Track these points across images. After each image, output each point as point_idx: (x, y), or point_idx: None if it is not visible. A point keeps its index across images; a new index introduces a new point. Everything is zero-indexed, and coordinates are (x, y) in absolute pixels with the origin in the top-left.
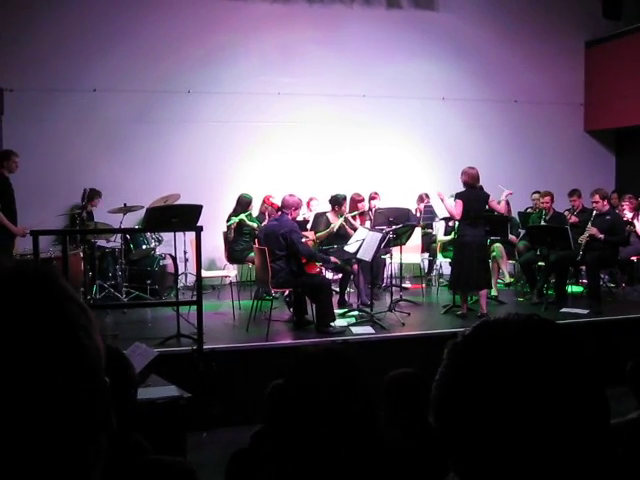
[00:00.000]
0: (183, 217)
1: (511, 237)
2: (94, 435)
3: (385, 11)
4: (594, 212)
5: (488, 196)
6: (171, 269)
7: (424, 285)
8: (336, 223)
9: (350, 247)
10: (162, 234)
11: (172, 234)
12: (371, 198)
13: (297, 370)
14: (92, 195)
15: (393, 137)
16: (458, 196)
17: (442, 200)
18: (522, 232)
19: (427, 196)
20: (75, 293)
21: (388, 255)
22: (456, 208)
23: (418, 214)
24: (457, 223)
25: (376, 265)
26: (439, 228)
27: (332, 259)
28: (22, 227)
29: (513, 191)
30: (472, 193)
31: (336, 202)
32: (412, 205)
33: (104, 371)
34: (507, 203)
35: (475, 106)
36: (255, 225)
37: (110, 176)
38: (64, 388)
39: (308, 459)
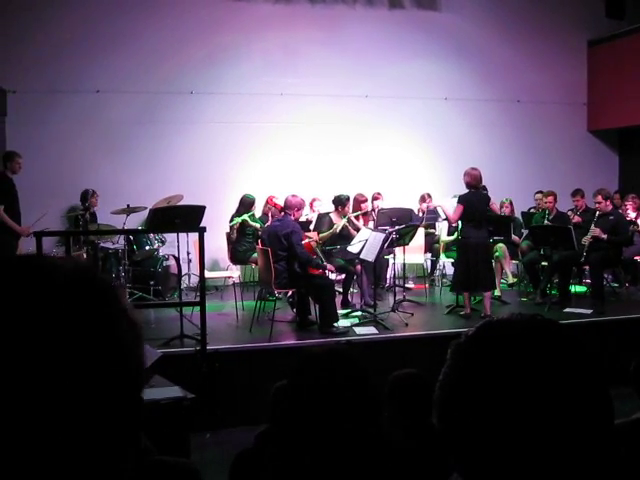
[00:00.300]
0: (186, 218)
1: (514, 237)
2: (134, 437)
3: (387, 11)
4: (597, 212)
5: (489, 198)
6: (174, 270)
7: (427, 285)
8: (339, 224)
9: (353, 247)
10: (165, 235)
11: (175, 235)
12: (374, 198)
13: (301, 370)
14: (87, 196)
15: (396, 137)
16: (461, 199)
17: (441, 207)
18: (525, 232)
19: (429, 196)
20: (129, 307)
21: (391, 255)
22: (455, 212)
23: (420, 214)
24: (460, 224)
25: (379, 265)
26: (442, 228)
27: (328, 266)
28: (26, 227)
29: (511, 196)
30: (475, 195)
31: (339, 202)
32: (415, 205)
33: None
34: (510, 203)
35: (477, 106)
36: (258, 226)
37: (113, 177)
38: (102, 395)
39: (312, 460)
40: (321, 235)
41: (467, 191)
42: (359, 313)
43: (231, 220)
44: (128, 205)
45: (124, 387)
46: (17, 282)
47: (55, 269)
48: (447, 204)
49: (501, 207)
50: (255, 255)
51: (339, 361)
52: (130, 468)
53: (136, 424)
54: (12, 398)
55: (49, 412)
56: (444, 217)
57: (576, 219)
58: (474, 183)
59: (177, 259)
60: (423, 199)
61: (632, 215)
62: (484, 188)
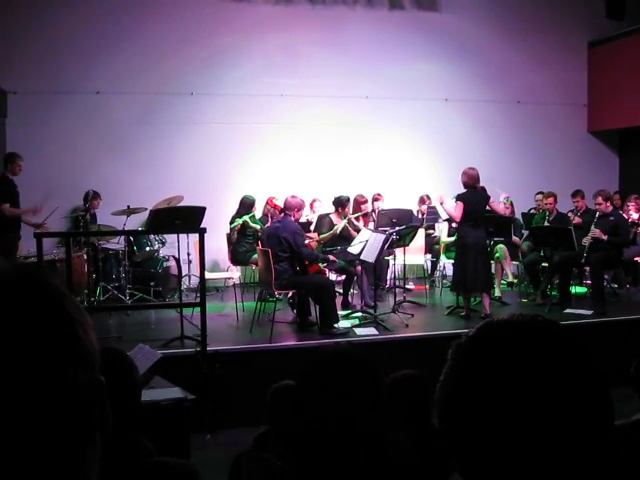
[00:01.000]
0: (186, 219)
1: (514, 238)
2: (90, 434)
3: (387, 12)
4: (597, 213)
5: (489, 197)
6: (174, 271)
7: (427, 286)
8: (339, 224)
9: (353, 248)
10: (165, 236)
11: (175, 236)
12: (374, 199)
13: (313, 371)
14: (92, 197)
15: (396, 138)
16: (459, 198)
17: (442, 203)
18: (525, 233)
19: (428, 198)
20: (68, 292)
21: (391, 256)
22: (456, 210)
23: (420, 216)
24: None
25: (379, 266)
26: (442, 229)
27: (331, 258)
28: (33, 207)
29: (511, 194)
30: (473, 194)
31: (339, 203)
32: (415, 207)
33: (99, 370)
34: (511, 204)
35: (478, 107)
36: (258, 227)
37: (113, 178)
38: (60, 381)
39: (312, 461)
40: (322, 236)
41: (465, 190)
42: (359, 314)
43: (231, 221)
44: (128, 206)
45: (78, 365)
46: None
47: None
48: (448, 204)
49: (490, 207)
50: (255, 256)
51: (351, 362)
52: (98, 458)
53: (98, 408)
54: None
55: None
56: (445, 217)
57: (576, 220)
58: (471, 183)
59: (177, 260)
60: (422, 201)
61: (635, 216)
62: (482, 189)
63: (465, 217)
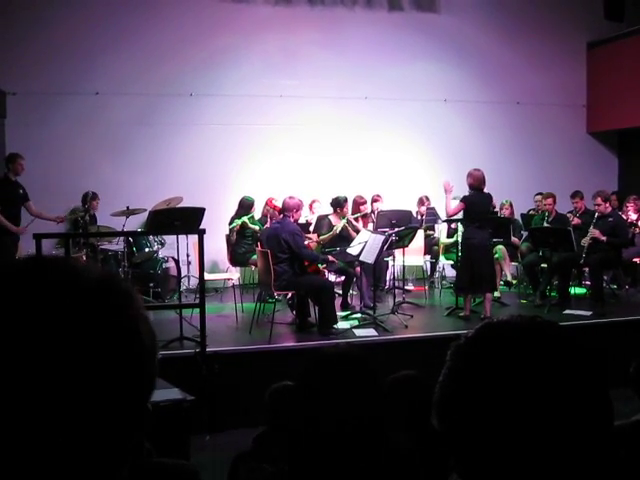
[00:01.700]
0: (186, 220)
1: (514, 239)
2: (134, 435)
3: (387, 13)
4: (596, 214)
5: (492, 198)
6: (174, 272)
7: (427, 287)
8: (338, 225)
9: (353, 249)
10: (165, 237)
11: (175, 237)
12: (373, 200)
13: (313, 372)
14: (91, 197)
15: (395, 139)
16: (463, 199)
17: (446, 191)
18: (525, 234)
19: (427, 199)
20: (145, 313)
21: (391, 257)
22: (454, 207)
23: (419, 217)
24: (459, 225)
25: (379, 267)
26: (441, 230)
27: (331, 258)
28: (22, 227)
29: (510, 195)
30: (478, 196)
31: (337, 204)
32: (414, 208)
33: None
34: (510, 205)
35: (477, 108)
36: (257, 228)
37: (113, 179)
38: (120, 405)
39: (311, 461)
40: (321, 237)
41: (471, 192)
42: (359, 315)
43: (230, 222)
44: (128, 207)
45: (137, 393)
46: (48, 283)
47: (84, 272)
48: (451, 198)
49: (501, 209)
50: (255, 257)
51: (351, 363)
52: (125, 474)
53: (139, 432)
54: (35, 395)
55: (62, 410)
56: (444, 218)
57: (575, 221)
58: (476, 184)
59: (177, 261)
60: (421, 202)
61: (633, 217)
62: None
63: (471, 219)
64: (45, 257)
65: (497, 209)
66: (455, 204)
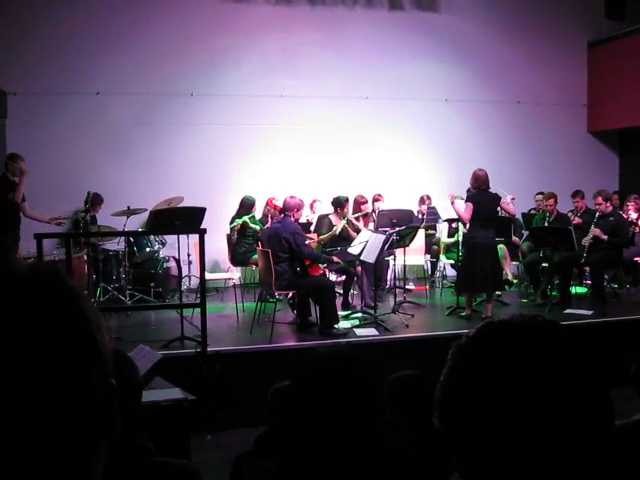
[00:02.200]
0: (186, 220)
1: (515, 238)
2: (99, 436)
3: (387, 13)
4: (597, 213)
5: (499, 198)
6: (175, 272)
7: (428, 287)
8: (339, 225)
9: (353, 249)
10: (166, 237)
11: (176, 237)
12: (374, 200)
13: (305, 372)
14: (94, 200)
15: (396, 139)
16: (468, 199)
17: (452, 203)
18: (526, 233)
19: (428, 198)
20: (83, 293)
21: (391, 257)
22: (466, 211)
23: (420, 216)
24: (460, 224)
25: (379, 267)
26: (442, 230)
27: (334, 259)
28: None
29: (515, 195)
30: (482, 195)
31: (338, 204)
32: (414, 207)
33: (111, 372)
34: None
35: (478, 107)
36: (258, 227)
37: (113, 179)
38: (74, 381)
39: (312, 462)
40: (321, 237)
41: (474, 191)
42: (359, 314)
43: (231, 222)
44: (128, 207)
45: (93, 367)
46: None
47: (12, 262)
48: (458, 204)
49: (501, 208)
50: (255, 257)
51: (343, 363)
52: (102, 462)
53: (108, 412)
54: None
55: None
56: (445, 218)
57: (576, 220)
58: (477, 184)
59: (177, 261)
60: (422, 201)
61: (633, 216)
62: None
63: (475, 218)
64: None
65: (509, 202)
66: (463, 207)
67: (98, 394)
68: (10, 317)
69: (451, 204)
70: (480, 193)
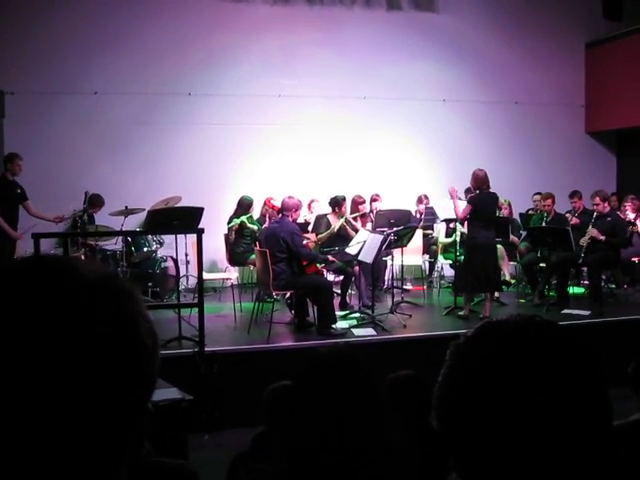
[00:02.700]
0: (184, 219)
1: (512, 238)
2: (124, 453)
3: (385, 13)
4: (595, 214)
5: (498, 197)
6: (172, 271)
7: (425, 287)
8: (336, 224)
9: (351, 249)
10: (163, 236)
11: (173, 236)
12: (372, 200)
13: (307, 372)
14: (94, 201)
15: (393, 139)
16: (470, 201)
17: (452, 197)
18: (523, 234)
19: (426, 197)
20: (146, 312)
21: (389, 257)
22: (463, 210)
23: (418, 215)
24: (458, 224)
25: (377, 267)
26: (440, 230)
27: (330, 258)
28: (19, 234)
29: (508, 195)
30: (483, 196)
31: (335, 203)
32: (412, 207)
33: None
34: (509, 205)
35: (475, 107)
36: (256, 227)
37: (111, 178)
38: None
39: (310, 461)
40: (319, 236)
41: (476, 193)
42: (357, 315)
43: (229, 221)
44: (126, 206)
45: (136, 392)
46: (49, 281)
47: (85, 270)
48: (458, 202)
49: (500, 208)
50: (253, 257)
51: (345, 363)
52: (124, 475)
53: (140, 433)
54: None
55: (60, 409)
56: (443, 218)
57: (574, 221)
58: (477, 185)
59: (175, 260)
60: (420, 200)
61: (631, 216)
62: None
63: (476, 218)
64: (46, 256)
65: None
66: (462, 205)
67: (140, 419)
68: (65, 323)
69: (451, 198)
70: (481, 194)
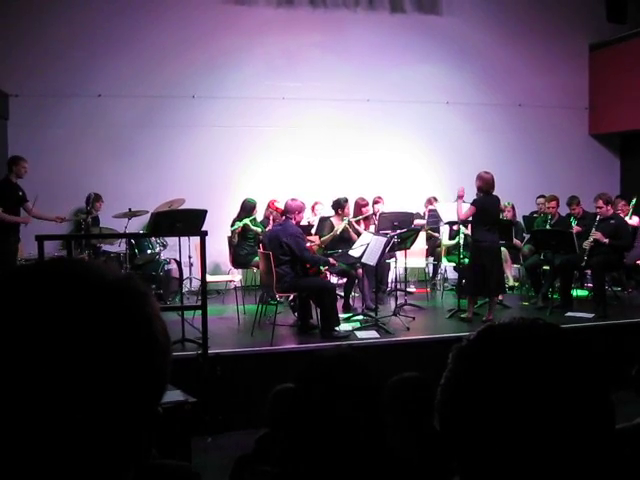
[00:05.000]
0: (188, 222)
1: (516, 241)
2: (141, 435)
3: (389, 15)
4: (598, 217)
5: (499, 200)
6: (176, 274)
7: (429, 289)
8: (339, 226)
9: (355, 251)
10: (167, 239)
11: (177, 239)
12: (375, 202)
13: (309, 374)
14: (94, 199)
15: (397, 141)
16: (474, 203)
17: (460, 197)
18: (527, 236)
19: (435, 199)
20: (160, 313)
21: (393, 259)
22: (465, 212)
23: (426, 216)
24: (462, 227)
25: (381, 269)
26: (444, 232)
27: (331, 260)
28: (25, 217)
29: (513, 200)
30: (488, 199)
31: (338, 206)
32: (418, 208)
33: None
34: (512, 207)
35: (479, 110)
36: (259, 230)
37: (115, 181)
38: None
39: (313, 463)
40: (322, 239)
41: (480, 196)
42: (360, 317)
43: (232, 224)
44: (130, 209)
45: (148, 393)
46: (64, 282)
47: (100, 272)
48: (463, 204)
49: (503, 211)
50: (257, 259)
51: (348, 365)
52: (132, 476)
53: (149, 434)
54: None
55: (72, 408)
56: (446, 221)
57: (576, 229)
58: (485, 187)
59: (179, 263)
60: (430, 202)
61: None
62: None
63: (481, 221)
64: (63, 258)
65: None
66: (466, 206)
67: (150, 420)
68: (79, 323)
69: (458, 197)
70: (486, 197)
